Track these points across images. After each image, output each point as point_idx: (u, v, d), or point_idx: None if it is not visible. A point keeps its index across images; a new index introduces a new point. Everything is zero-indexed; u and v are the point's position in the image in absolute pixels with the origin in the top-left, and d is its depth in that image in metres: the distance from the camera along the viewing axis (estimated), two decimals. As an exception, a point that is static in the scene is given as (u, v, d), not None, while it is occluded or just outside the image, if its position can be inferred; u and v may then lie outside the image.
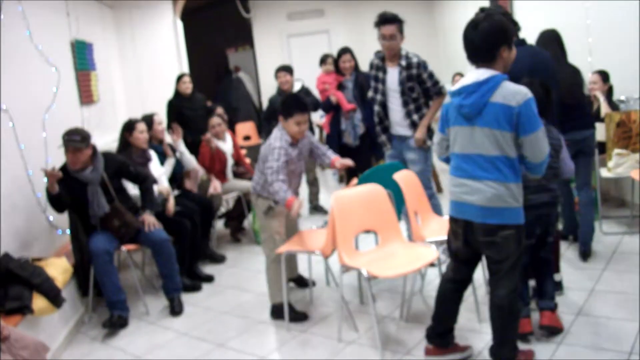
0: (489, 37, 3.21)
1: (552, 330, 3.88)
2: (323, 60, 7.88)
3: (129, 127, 5.65)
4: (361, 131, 6.89)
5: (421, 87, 5.40)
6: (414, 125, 5.42)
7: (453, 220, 3.48)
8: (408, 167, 5.36)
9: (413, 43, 12.33)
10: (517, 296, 3.38)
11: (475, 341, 3.94)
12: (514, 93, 3.15)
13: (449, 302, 3.66)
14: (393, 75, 5.41)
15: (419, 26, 12.11)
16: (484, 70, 3.23)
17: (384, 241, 4.40)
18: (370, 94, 5.65)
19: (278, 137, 4.55)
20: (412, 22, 12.55)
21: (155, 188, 5.51)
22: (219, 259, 6.23)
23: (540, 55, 4.69)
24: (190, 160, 6.36)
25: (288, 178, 4.51)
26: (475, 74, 3.24)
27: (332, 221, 4.26)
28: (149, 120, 6.01)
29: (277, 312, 4.68)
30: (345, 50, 7.11)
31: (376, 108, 5.56)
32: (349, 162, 4.82)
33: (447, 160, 3.57)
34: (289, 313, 4.57)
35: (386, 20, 5.31)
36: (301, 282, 5.30)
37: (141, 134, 5.63)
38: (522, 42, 4.70)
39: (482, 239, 3.32)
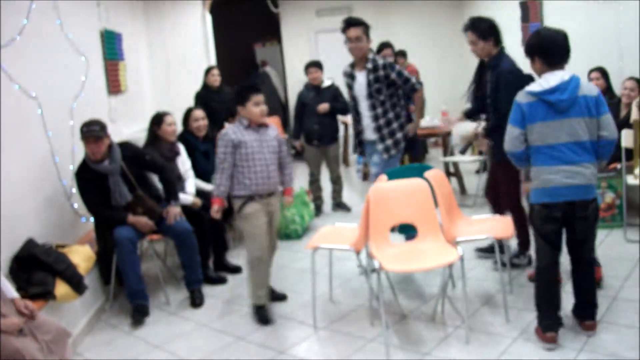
0: (567, 44, 3.87)
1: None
2: None
3: (157, 120, 5.66)
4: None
5: (393, 88, 5.54)
6: (379, 130, 5.61)
7: (549, 207, 3.83)
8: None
9: (441, 42, 12.42)
10: None
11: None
12: (589, 85, 3.87)
13: (556, 283, 3.99)
14: (361, 80, 5.59)
15: (448, 25, 12.09)
16: (561, 71, 3.80)
17: (421, 236, 4.40)
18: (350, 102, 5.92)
19: (231, 126, 4.61)
20: (441, 21, 12.61)
21: (187, 198, 5.54)
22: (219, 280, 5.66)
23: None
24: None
25: (249, 169, 4.50)
26: (559, 75, 3.77)
27: (366, 214, 4.28)
28: (187, 115, 5.99)
29: (259, 314, 4.63)
30: (386, 45, 7.14)
31: (352, 115, 5.90)
32: (290, 202, 5.06)
33: (518, 155, 3.92)
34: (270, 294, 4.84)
35: (351, 23, 5.49)
36: (271, 295, 4.95)
37: (169, 126, 5.63)
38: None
39: (580, 214, 3.81)
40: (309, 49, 12.67)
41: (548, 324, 3.87)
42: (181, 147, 5.77)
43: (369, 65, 5.47)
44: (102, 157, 4.81)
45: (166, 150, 5.57)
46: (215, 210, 4.57)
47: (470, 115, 5.44)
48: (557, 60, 3.83)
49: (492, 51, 4.95)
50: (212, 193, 4.65)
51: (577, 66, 7.10)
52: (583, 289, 4.01)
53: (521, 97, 3.85)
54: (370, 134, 5.71)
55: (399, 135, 5.65)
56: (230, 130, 4.53)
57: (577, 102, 3.72)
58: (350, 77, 5.71)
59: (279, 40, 13.11)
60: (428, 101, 9.63)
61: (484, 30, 4.91)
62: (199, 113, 6.01)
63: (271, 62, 13.28)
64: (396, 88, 5.58)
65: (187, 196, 5.56)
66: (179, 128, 5.94)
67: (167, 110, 5.83)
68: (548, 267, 3.93)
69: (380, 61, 5.46)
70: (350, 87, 5.74)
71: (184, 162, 5.76)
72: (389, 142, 5.62)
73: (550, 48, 3.83)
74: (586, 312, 4.00)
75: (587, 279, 3.99)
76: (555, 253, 3.93)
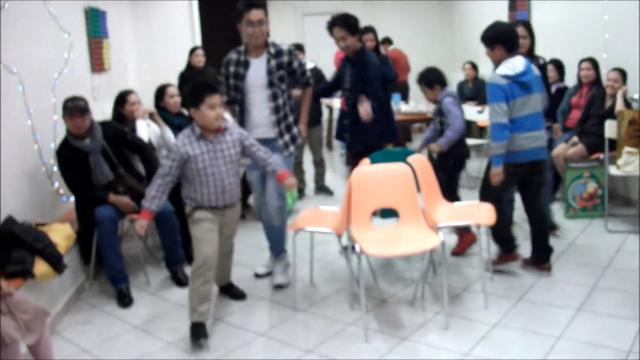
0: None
1: None
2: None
3: (121, 100, 5.63)
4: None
5: (290, 79, 4.88)
6: (278, 124, 4.79)
7: (517, 165, 4.61)
8: (267, 180, 4.82)
9: (430, 31, 12.40)
10: None
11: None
12: (535, 67, 4.68)
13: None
14: (258, 67, 4.73)
15: (436, 13, 12.09)
16: (520, 57, 4.56)
17: (402, 221, 4.41)
18: (231, 94, 4.87)
19: (181, 137, 4.09)
20: (430, 9, 12.59)
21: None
22: None
23: None
24: (170, 136, 5.93)
25: (200, 185, 4.09)
26: (520, 60, 4.52)
27: (348, 198, 4.27)
28: (161, 90, 5.96)
29: (196, 332, 4.05)
30: (368, 29, 7.12)
31: (238, 109, 4.89)
32: (294, 184, 4.35)
33: (505, 125, 4.48)
34: (232, 290, 4.78)
35: (254, 4, 4.60)
36: (232, 292, 4.78)
37: (132, 105, 5.60)
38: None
39: (536, 171, 4.72)
40: (295, 32, 12.62)
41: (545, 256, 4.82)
42: (148, 124, 5.69)
43: (272, 50, 4.70)
44: (84, 134, 4.77)
45: (131, 128, 5.53)
46: (140, 226, 4.03)
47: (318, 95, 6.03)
48: (515, 48, 4.60)
49: (357, 46, 5.39)
50: (142, 204, 4.08)
51: (562, 57, 7.18)
52: (537, 234, 4.83)
53: (500, 80, 4.48)
54: (264, 131, 4.80)
55: (295, 130, 4.94)
56: (180, 142, 4.04)
57: (535, 81, 4.57)
58: (241, 65, 4.76)
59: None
60: (413, 86, 9.63)
61: (353, 26, 5.31)
62: (174, 89, 6.00)
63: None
64: (295, 79, 4.94)
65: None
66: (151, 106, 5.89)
67: (130, 89, 5.78)
68: (502, 210, 4.76)
69: (285, 46, 4.78)
70: (237, 76, 4.76)
71: (156, 137, 5.71)
72: (287, 137, 4.84)
73: (511, 38, 4.60)
74: (542, 256, 4.80)
75: (541, 226, 4.83)
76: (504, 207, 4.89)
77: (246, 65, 4.74)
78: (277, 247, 5.06)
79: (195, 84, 4.14)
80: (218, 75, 4.85)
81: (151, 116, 5.67)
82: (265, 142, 4.61)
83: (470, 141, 8.48)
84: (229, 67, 4.81)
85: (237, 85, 4.77)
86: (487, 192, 4.76)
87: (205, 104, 3.98)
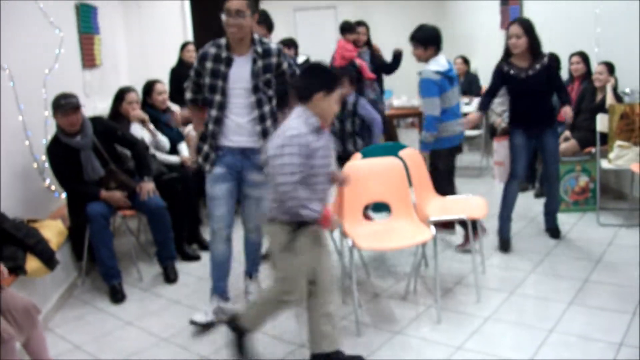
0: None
1: None
2: (349, 29, 7.77)
3: (120, 97, 5.69)
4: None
5: (278, 81, 4.17)
6: (264, 135, 4.02)
7: (454, 148, 5.25)
8: (246, 195, 4.24)
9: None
10: None
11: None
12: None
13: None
14: (242, 68, 4.06)
15: (428, 9, 12.07)
16: (442, 55, 5.12)
17: (395, 215, 4.41)
18: (203, 94, 4.20)
19: (295, 125, 3.29)
20: (422, 5, 12.56)
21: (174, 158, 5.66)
22: (194, 257, 5.62)
23: None
24: (164, 142, 5.96)
25: (313, 185, 3.35)
26: (444, 58, 5.12)
27: (340, 192, 4.27)
28: (149, 87, 5.98)
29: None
30: (360, 23, 7.14)
31: (213, 113, 4.10)
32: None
33: (437, 117, 5.00)
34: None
35: None
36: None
37: (129, 104, 5.61)
38: None
39: (459, 150, 5.61)
40: (287, 27, 12.58)
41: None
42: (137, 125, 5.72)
43: (258, 49, 4.08)
44: (76, 130, 4.76)
45: (126, 126, 5.53)
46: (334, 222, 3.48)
47: None
48: (441, 48, 5.13)
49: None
50: (312, 212, 3.30)
51: (554, 50, 7.18)
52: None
53: (434, 76, 4.98)
54: (245, 140, 4.09)
55: None
56: (305, 133, 3.27)
57: (455, 76, 5.21)
58: (222, 62, 4.06)
59: (258, 17, 13.00)
60: (406, 81, 9.67)
61: (268, 22, 5.69)
62: (162, 86, 6.02)
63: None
64: (282, 82, 4.20)
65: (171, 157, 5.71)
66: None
67: (131, 87, 5.79)
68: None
69: (274, 45, 4.15)
70: (215, 74, 4.06)
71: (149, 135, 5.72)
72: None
73: (441, 39, 5.12)
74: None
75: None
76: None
77: (228, 62, 4.05)
78: (254, 266, 4.64)
79: (330, 69, 3.52)
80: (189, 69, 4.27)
81: (143, 123, 5.65)
82: (244, 151, 4.09)
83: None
84: (205, 62, 4.10)
85: (215, 85, 4.06)
86: (439, 183, 4.98)
87: (336, 93, 3.38)
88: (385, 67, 7.84)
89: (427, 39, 5.06)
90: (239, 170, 4.15)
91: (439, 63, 5.03)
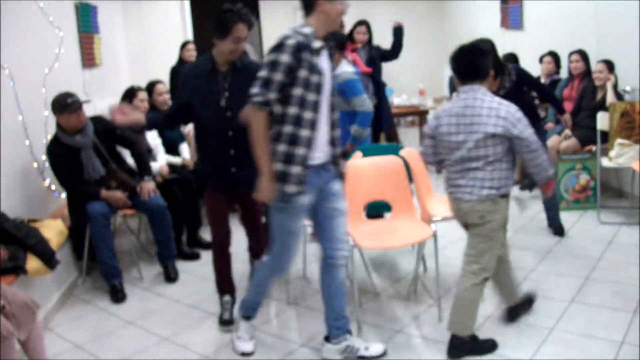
0: None
1: None
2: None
3: (130, 95, 5.62)
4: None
5: None
6: (333, 144, 3.51)
7: None
8: (331, 210, 3.57)
9: (422, 27, 12.37)
10: None
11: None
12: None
13: None
14: (326, 64, 3.38)
15: (428, 9, 12.07)
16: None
17: (395, 214, 4.42)
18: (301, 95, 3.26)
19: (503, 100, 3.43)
20: (422, 5, 12.55)
21: (156, 165, 5.55)
22: (192, 256, 5.62)
23: None
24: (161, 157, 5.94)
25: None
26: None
27: None
28: (150, 87, 5.98)
29: (462, 347, 3.60)
30: (361, 22, 7.12)
31: (305, 131, 3.26)
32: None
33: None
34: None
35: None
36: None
37: (141, 102, 5.61)
38: None
39: None
40: (288, 26, 12.55)
41: None
42: None
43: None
44: (78, 129, 4.77)
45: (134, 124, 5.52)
46: None
47: None
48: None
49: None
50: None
51: (555, 48, 7.18)
52: None
53: (356, 76, 5.28)
54: (323, 153, 3.44)
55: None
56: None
57: None
58: (314, 52, 3.27)
59: (257, 16, 12.99)
60: (406, 80, 9.67)
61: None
62: (163, 87, 6.00)
63: (249, 39, 13.15)
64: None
65: (155, 163, 5.58)
66: None
67: (141, 86, 5.79)
68: None
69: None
70: (299, 66, 3.20)
71: (154, 137, 5.73)
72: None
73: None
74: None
75: None
76: None
77: (318, 54, 3.31)
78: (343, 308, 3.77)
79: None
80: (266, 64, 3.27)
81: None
82: (324, 166, 3.45)
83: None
84: (303, 54, 3.21)
85: (316, 84, 3.28)
86: None
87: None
88: (389, 52, 7.68)
89: (343, 43, 5.38)
90: (321, 189, 3.50)
91: (350, 64, 5.43)
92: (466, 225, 3.57)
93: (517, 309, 3.88)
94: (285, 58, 3.16)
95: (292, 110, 3.24)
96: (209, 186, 4.21)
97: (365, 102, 5.14)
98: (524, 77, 5.01)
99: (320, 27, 3.32)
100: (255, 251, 4.41)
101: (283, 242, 3.50)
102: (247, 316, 3.88)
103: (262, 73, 3.21)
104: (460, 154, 3.41)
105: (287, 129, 3.25)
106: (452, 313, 3.58)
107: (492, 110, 3.33)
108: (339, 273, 3.59)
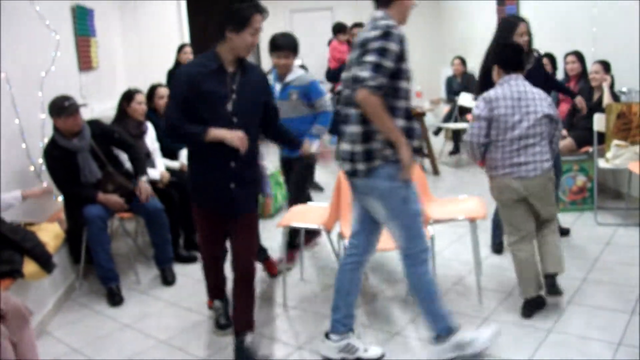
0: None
1: None
2: (340, 29, 7.78)
3: (127, 97, 5.61)
4: None
5: None
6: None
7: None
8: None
9: (419, 27, 12.38)
10: None
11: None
12: None
13: None
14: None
15: (425, 10, 12.06)
16: None
17: None
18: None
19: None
20: (419, 6, 12.53)
21: (156, 172, 5.53)
22: (189, 259, 5.59)
23: None
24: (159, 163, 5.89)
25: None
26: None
27: (337, 193, 4.27)
28: (152, 91, 5.96)
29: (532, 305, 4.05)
30: (359, 25, 7.15)
31: (403, 104, 3.35)
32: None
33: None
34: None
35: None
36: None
37: (139, 105, 5.59)
38: None
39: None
40: (284, 29, 12.57)
41: None
42: (150, 127, 5.71)
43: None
44: (75, 132, 4.76)
45: (133, 127, 5.51)
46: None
47: None
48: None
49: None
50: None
51: (552, 50, 7.18)
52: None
53: (315, 77, 5.37)
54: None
55: None
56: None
57: None
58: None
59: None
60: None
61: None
62: (164, 90, 5.97)
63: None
64: None
65: (154, 170, 5.54)
66: None
67: (139, 89, 5.78)
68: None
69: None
70: (402, 57, 3.27)
71: (152, 141, 5.71)
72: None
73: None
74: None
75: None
76: None
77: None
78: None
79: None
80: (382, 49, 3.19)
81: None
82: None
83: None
84: (404, 44, 3.30)
85: (410, 75, 3.40)
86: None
87: None
88: None
89: (297, 47, 5.20)
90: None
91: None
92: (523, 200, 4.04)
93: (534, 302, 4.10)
94: (394, 46, 3.18)
95: (401, 104, 3.30)
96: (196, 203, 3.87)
97: (327, 103, 5.15)
98: (538, 65, 5.24)
99: (401, 18, 3.44)
100: (240, 271, 3.77)
101: (415, 226, 3.43)
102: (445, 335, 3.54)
103: (371, 58, 3.14)
104: (518, 132, 3.93)
105: (399, 122, 3.28)
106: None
107: (540, 94, 4.03)
108: (362, 271, 3.72)
